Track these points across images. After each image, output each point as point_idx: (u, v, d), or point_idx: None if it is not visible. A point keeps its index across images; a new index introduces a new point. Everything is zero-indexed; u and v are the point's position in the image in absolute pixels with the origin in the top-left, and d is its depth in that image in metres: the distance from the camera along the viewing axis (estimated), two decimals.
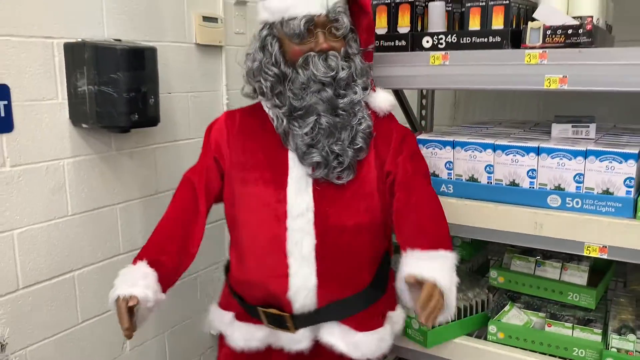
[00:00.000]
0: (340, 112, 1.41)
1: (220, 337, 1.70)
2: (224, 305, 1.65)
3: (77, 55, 1.86)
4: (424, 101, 2.55)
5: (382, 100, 1.49)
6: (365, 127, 1.43)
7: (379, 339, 1.49)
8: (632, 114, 2.13)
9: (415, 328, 1.63)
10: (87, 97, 1.86)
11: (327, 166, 1.42)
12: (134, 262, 1.51)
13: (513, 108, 2.57)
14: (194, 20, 2.36)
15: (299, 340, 1.48)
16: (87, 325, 2.09)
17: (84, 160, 2.01)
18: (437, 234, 1.38)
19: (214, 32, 2.44)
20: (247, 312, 1.55)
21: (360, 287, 1.48)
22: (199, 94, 2.45)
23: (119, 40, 2.00)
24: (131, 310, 1.38)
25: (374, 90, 1.50)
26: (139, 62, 1.90)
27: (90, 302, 2.09)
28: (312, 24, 1.40)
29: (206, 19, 2.39)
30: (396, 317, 1.60)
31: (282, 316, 1.45)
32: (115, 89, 1.85)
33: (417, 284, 1.23)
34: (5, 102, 1.75)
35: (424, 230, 1.38)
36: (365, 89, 1.46)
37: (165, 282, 1.48)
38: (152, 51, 1.96)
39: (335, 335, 1.46)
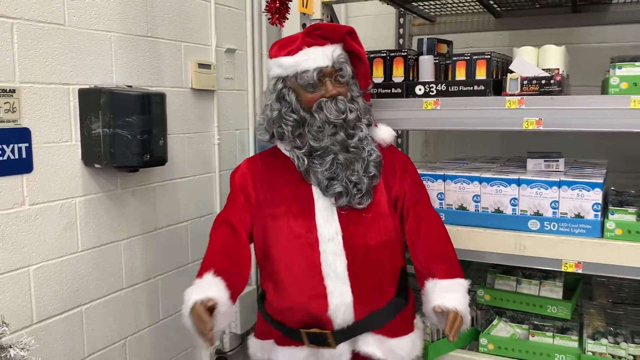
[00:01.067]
0: (352, 149, 1.62)
1: None
2: (262, 335, 1.76)
3: (92, 100, 1.99)
4: (399, 140, 2.80)
5: (384, 133, 1.71)
6: (376, 157, 1.64)
7: (411, 342, 1.67)
8: (585, 149, 2.44)
9: None
10: (101, 139, 1.99)
11: (348, 194, 1.60)
12: (199, 276, 1.57)
13: (477, 146, 2.84)
14: (190, 67, 2.53)
15: (339, 354, 1.61)
16: (92, 358, 2.15)
17: (93, 198, 2.11)
18: (450, 261, 1.62)
19: (208, 77, 2.62)
20: (288, 336, 1.66)
21: (388, 298, 1.65)
22: (194, 135, 2.61)
23: (130, 86, 2.15)
24: (211, 313, 1.43)
25: (376, 126, 1.71)
26: (150, 107, 2.05)
27: (95, 336, 2.16)
28: (322, 74, 1.61)
29: (201, 65, 2.57)
30: (419, 324, 1.78)
31: (323, 334, 1.59)
32: (130, 131, 1.98)
33: (443, 312, 1.53)
34: (27, 145, 1.86)
35: (438, 257, 1.63)
36: (369, 125, 1.67)
37: (231, 289, 1.54)
38: (162, 96, 2.12)
39: (371, 344, 1.62)
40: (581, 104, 1.57)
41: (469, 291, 1.82)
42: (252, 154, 3.02)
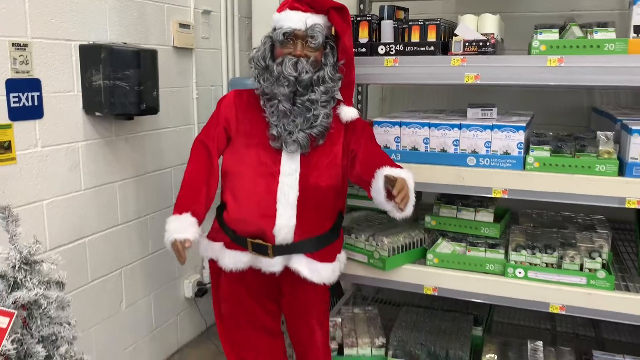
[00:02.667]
0: (298, 104, 1.90)
1: (211, 263, 2.15)
2: (213, 238, 2.10)
3: (93, 55, 2.24)
4: (359, 97, 3.15)
5: (347, 113, 1.98)
6: (323, 123, 1.89)
7: (332, 269, 2.03)
8: (516, 104, 2.87)
9: (377, 258, 2.20)
10: (102, 90, 2.25)
11: (279, 139, 1.91)
12: (179, 212, 1.93)
13: (427, 102, 3.24)
14: (172, 27, 2.78)
15: (274, 264, 1.97)
16: (95, 284, 2.46)
17: (93, 143, 2.38)
18: (395, 166, 1.91)
19: (187, 36, 2.88)
20: (235, 242, 2.00)
21: (324, 231, 2.00)
22: (176, 90, 2.88)
23: (125, 43, 2.40)
24: (184, 249, 1.86)
25: (345, 104, 1.99)
26: (145, 62, 2.32)
27: (96, 265, 2.46)
28: (292, 35, 1.89)
29: (181, 25, 2.82)
30: (342, 258, 2.14)
31: (265, 245, 1.94)
32: (128, 83, 2.25)
33: (391, 182, 1.77)
34: (38, 94, 2.11)
35: (389, 164, 1.90)
36: (326, 92, 1.90)
37: (200, 223, 1.95)
38: (154, 53, 2.38)
39: (302, 264, 1.98)
40: (509, 62, 1.96)
41: (418, 222, 2.21)
42: None
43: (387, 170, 1.83)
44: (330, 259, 2.03)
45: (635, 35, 1.88)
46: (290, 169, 1.94)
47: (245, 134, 2.00)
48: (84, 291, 2.39)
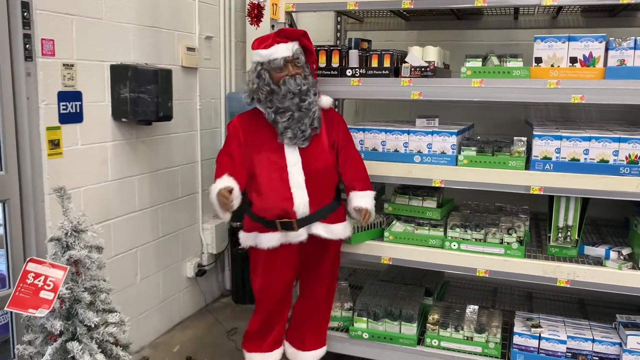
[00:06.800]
0: (304, 109, 2.52)
1: (250, 250, 2.69)
2: (248, 229, 2.67)
3: (121, 73, 2.83)
4: (337, 109, 3.77)
5: (324, 101, 2.61)
6: (318, 116, 2.55)
7: (344, 227, 2.66)
8: (463, 116, 3.50)
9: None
10: (128, 101, 2.84)
11: (295, 138, 2.51)
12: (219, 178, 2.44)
13: (391, 114, 3.86)
14: (181, 50, 3.39)
15: (300, 234, 2.55)
16: (117, 258, 3.02)
17: (118, 144, 2.96)
18: (364, 180, 2.60)
19: (193, 58, 3.48)
20: (267, 226, 2.56)
21: (329, 201, 2.61)
22: (183, 102, 3.47)
23: (147, 63, 2.99)
24: (229, 194, 2.36)
25: (320, 96, 2.62)
26: (162, 78, 2.91)
27: (118, 243, 3.02)
28: (286, 61, 2.51)
29: (189, 49, 3.43)
30: (347, 219, 2.73)
31: (290, 222, 2.53)
32: (149, 95, 2.84)
33: (359, 210, 2.53)
34: (79, 103, 2.69)
35: (357, 177, 2.60)
36: (315, 94, 2.56)
37: (239, 186, 2.44)
38: (169, 72, 2.98)
39: (320, 228, 2.59)
40: (444, 84, 2.59)
41: (381, 205, 2.82)
42: (223, 118, 3.91)
43: (357, 199, 2.58)
44: (340, 219, 2.66)
45: (536, 64, 2.51)
46: (293, 160, 2.53)
47: (253, 144, 2.57)
48: (109, 264, 2.93)
